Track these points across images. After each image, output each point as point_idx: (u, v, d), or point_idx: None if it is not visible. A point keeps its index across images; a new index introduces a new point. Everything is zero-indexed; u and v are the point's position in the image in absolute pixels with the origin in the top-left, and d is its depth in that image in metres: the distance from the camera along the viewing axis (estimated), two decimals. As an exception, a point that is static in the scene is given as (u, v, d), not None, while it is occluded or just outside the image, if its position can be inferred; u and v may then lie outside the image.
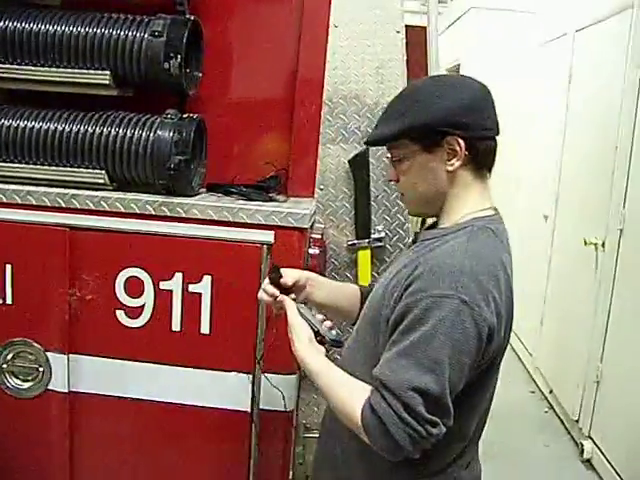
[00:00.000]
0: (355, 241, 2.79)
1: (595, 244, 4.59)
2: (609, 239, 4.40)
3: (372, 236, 2.78)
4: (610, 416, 4.35)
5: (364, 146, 2.80)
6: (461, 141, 1.68)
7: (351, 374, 1.73)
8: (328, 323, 1.89)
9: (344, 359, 1.88)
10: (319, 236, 2.60)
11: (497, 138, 1.77)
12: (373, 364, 1.64)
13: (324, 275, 2.73)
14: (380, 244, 2.79)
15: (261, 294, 1.97)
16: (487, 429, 4.92)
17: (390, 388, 1.54)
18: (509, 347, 5.81)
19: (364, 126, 2.81)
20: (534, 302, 5.91)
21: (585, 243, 4.68)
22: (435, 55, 2.74)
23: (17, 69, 2.54)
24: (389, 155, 1.81)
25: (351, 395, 1.65)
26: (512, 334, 5.54)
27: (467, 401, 1.66)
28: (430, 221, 1.92)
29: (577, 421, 4.78)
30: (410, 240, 2.25)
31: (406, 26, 3.21)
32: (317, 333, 1.84)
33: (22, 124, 2.55)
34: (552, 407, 5.39)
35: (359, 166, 2.74)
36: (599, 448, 4.42)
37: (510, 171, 6.60)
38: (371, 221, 2.77)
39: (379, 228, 2.78)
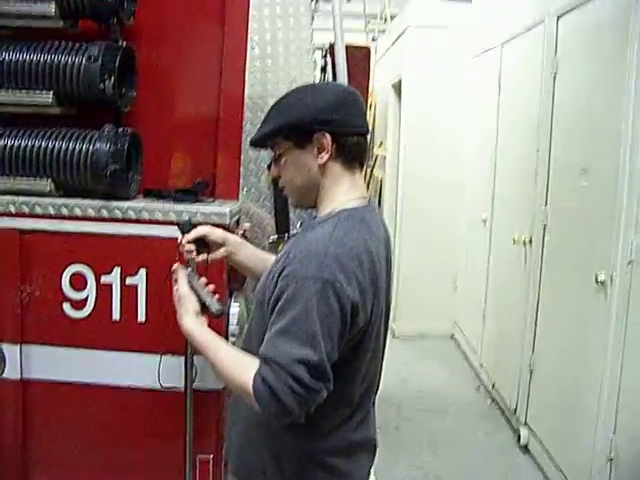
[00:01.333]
0: (275, 237, 3.07)
1: (524, 241, 4.92)
2: (535, 235, 4.73)
3: (291, 232, 3.06)
4: (543, 403, 4.64)
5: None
6: (328, 136, 1.87)
7: (250, 355, 1.89)
8: (211, 287, 2.10)
9: (245, 343, 2.08)
10: (241, 233, 2.87)
11: (367, 136, 1.99)
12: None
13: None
14: (298, 239, 3.05)
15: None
16: (437, 423, 5.25)
17: (277, 362, 1.72)
18: (457, 346, 6.18)
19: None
20: (476, 302, 6.23)
21: (514, 241, 5.01)
22: (342, 66, 3.05)
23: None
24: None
25: (241, 368, 1.82)
26: (460, 333, 5.88)
27: (346, 370, 1.85)
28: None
29: (515, 410, 5.08)
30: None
31: (350, 46, 3.52)
32: (203, 305, 2.02)
33: (-24, 141, 2.84)
34: (494, 400, 5.68)
35: (276, 169, 3.03)
36: (534, 434, 4.71)
37: (453, 179, 6.94)
38: (289, 218, 3.05)
39: (298, 225, 3.06)
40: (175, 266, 2.08)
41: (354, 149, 1.95)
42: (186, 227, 2.17)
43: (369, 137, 2.06)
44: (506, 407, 5.34)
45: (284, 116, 1.93)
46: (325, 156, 1.91)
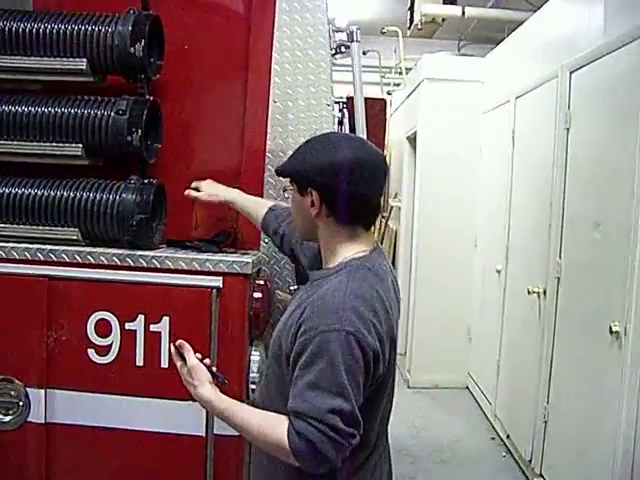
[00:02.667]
0: (295, 286, 3.13)
1: (537, 292, 4.95)
2: (549, 287, 4.75)
3: (310, 281, 3.12)
4: (559, 454, 4.60)
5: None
6: (315, 193, 1.95)
7: (269, 405, 1.98)
8: (207, 361, 2.07)
9: (262, 393, 2.16)
10: (263, 282, 2.96)
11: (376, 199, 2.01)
12: (285, 396, 1.88)
13: (270, 317, 3.09)
14: (319, 288, 3.12)
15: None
16: (452, 473, 5.21)
17: (311, 415, 1.78)
18: (472, 397, 6.16)
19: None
20: (491, 353, 6.21)
21: (529, 292, 5.04)
22: (361, 119, 3.16)
23: (3, 144, 2.95)
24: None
25: (271, 427, 1.86)
26: (474, 384, 5.87)
27: (365, 415, 1.87)
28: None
29: (530, 461, 5.04)
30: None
31: (366, 99, 3.62)
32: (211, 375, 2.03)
33: (7, 190, 2.95)
34: (509, 451, 5.63)
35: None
36: (549, 485, 4.70)
37: (468, 230, 7.00)
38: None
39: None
40: (179, 342, 2.07)
41: (349, 213, 1.98)
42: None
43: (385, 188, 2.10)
44: (521, 458, 5.30)
45: (292, 162, 2.05)
46: (314, 211, 1.98)
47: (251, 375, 2.86)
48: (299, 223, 2.11)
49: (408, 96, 8.00)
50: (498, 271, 6.10)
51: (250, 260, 2.79)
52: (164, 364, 2.80)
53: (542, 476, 4.82)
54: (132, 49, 2.85)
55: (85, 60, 2.86)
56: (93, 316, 2.83)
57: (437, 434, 6.11)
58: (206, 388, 1.99)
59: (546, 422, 4.77)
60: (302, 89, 3.15)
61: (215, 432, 2.81)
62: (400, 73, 8.70)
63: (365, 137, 3.22)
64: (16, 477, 2.93)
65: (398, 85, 9.11)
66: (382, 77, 9.16)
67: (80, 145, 2.88)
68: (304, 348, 1.83)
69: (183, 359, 2.04)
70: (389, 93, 9.12)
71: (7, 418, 2.90)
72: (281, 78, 3.16)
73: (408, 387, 7.24)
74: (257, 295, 2.90)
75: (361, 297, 1.87)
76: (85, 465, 2.92)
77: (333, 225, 2.00)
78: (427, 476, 5.23)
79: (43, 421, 2.88)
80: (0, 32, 2.92)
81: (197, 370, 2.00)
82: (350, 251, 2.00)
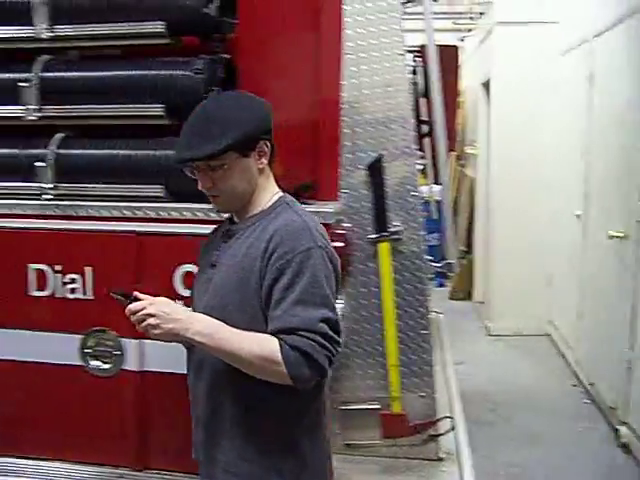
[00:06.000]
0: (374, 235, 3.21)
1: (619, 237, 4.90)
2: (630, 231, 4.71)
3: (389, 230, 3.20)
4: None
5: (374, 158, 3.23)
6: (268, 143, 2.10)
7: None
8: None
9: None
10: (343, 232, 3.02)
11: None
12: (256, 327, 1.97)
13: (350, 265, 3.16)
14: (398, 237, 3.20)
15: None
16: (532, 420, 5.19)
17: (303, 328, 1.90)
18: (553, 344, 6.04)
19: (376, 136, 3.23)
20: (572, 299, 6.21)
21: (609, 237, 4.99)
22: (435, 68, 3.17)
23: (88, 109, 3.06)
24: (191, 166, 2.09)
25: (261, 346, 1.91)
26: (555, 330, 5.82)
27: None
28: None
29: (613, 408, 5.04)
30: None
31: (438, 46, 3.61)
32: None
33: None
34: (592, 398, 5.63)
35: (375, 170, 3.15)
36: (635, 432, 4.67)
37: (545, 176, 6.91)
38: (387, 217, 3.18)
39: (396, 223, 3.20)
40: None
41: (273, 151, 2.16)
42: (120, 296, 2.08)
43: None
44: (604, 405, 5.29)
45: (239, 128, 2.02)
46: (265, 160, 2.12)
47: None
48: (240, 190, 2.10)
49: (481, 42, 7.88)
50: (577, 216, 6.04)
51: (331, 210, 2.87)
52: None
53: (626, 423, 4.79)
54: (206, 9, 2.90)
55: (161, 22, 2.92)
56: (179, 269, 2.93)
57: (517, 381, 6.12)
58: (200, 322, 1.99)
59: (630, 369, 4.73)
60: (374, 40, 3.18)
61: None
62: (472, 18, 8.55)
63: (438, 84, 3.23)
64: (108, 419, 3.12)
65: (470, 31, 8.96)
66: (454, 23, 9.01)
67: (162, 105, 2.94)
68: (282, 271, 1.96)
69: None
70: (462, 40, 8.99)
71: (106, 366, 3.05)
72: (352, 30, 3.19)
73: (489, 335, 7.26)
74: (337, 244, 2.93)
75: (313, 219, 2.09)
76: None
77: (267, 170, 2.16)
78: (507, 423, 5.26)
79: (137, 369, 3.04)
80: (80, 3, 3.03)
81: (172, 306, 2.03)
82: (273, 192, 2.17)
